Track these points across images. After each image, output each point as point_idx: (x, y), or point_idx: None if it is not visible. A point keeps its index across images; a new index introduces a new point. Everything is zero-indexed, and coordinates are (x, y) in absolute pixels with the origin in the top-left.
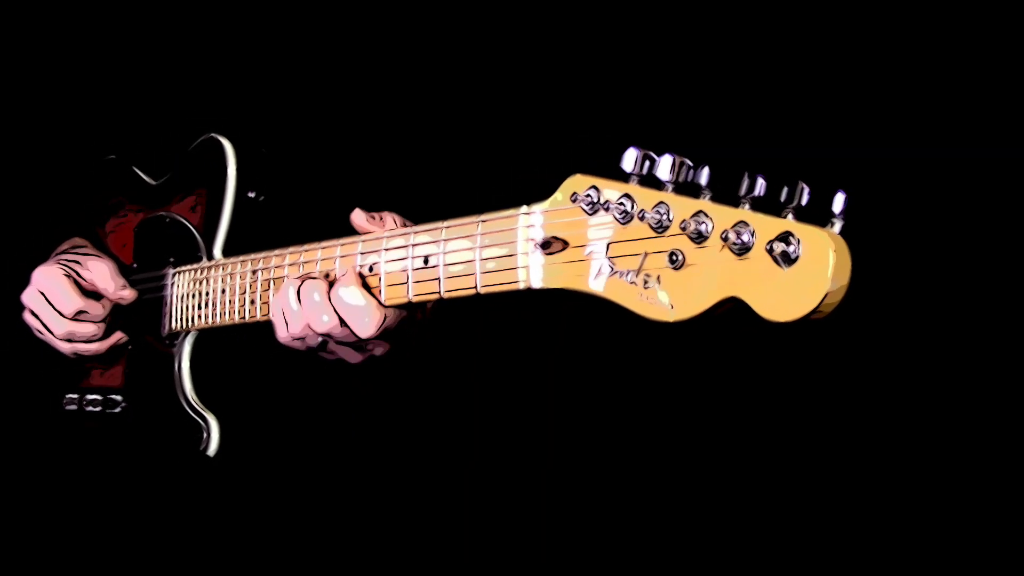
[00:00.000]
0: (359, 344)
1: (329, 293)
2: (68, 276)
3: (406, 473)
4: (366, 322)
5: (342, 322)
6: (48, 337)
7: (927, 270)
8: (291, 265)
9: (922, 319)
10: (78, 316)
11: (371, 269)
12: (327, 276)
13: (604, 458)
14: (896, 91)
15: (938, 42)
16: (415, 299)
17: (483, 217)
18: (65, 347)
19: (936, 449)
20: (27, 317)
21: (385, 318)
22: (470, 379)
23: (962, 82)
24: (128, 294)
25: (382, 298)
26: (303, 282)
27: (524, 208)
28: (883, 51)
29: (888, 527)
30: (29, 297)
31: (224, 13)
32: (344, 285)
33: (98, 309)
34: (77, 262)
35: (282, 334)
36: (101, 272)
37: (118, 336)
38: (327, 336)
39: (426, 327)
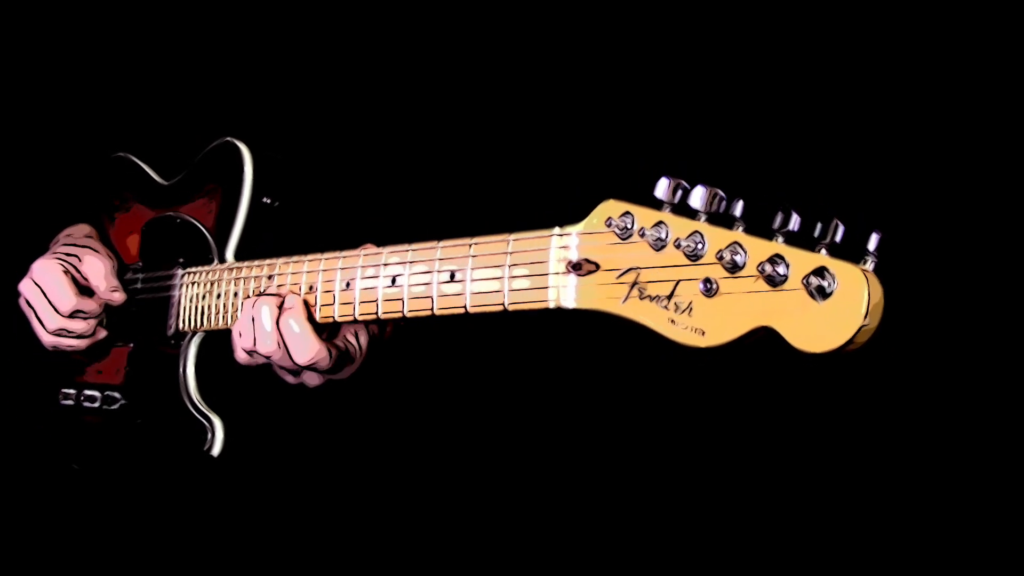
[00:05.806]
0: (295, 370)
1: (279, 319)
2: (66, 273)
3: (408, 476)
4: (302, 349)
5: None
6: (36, 327)
7: (960, 295)
8: (310, 272)
9: (953, 345)
10: (74, 314)
11: (394, 281)
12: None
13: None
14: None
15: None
16: (439, 312)
17: (514, 236)
18: (48, 339)
19: (963, 480)
20: (22, 304)
21: (322, 352)
22: (481, 388)
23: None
24: (118, 296)
25: (404, 310)
26: (256, 301)
27: (557, 229)
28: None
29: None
30: (26, 288)
31: (244, 17)
32: (292, 316)
33: (92, 307)
34: (76, 256)
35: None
36: (96, 270)
37: (100, 334)
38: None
39: (383, 345)
